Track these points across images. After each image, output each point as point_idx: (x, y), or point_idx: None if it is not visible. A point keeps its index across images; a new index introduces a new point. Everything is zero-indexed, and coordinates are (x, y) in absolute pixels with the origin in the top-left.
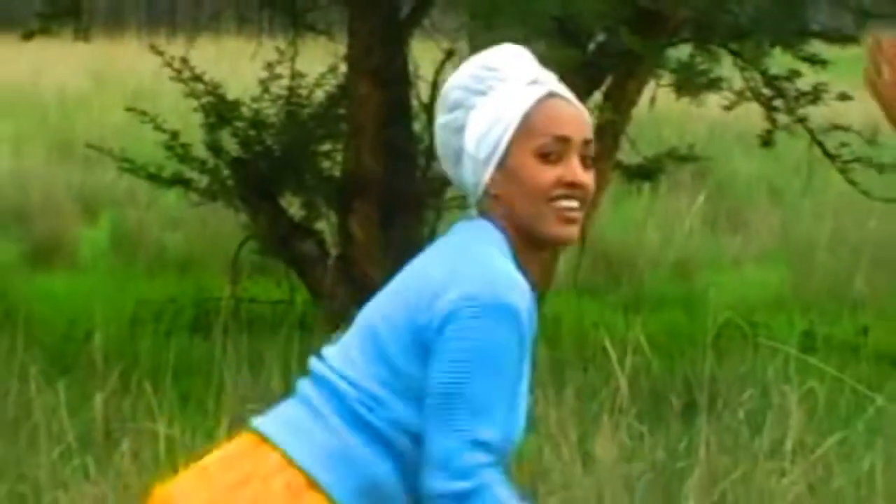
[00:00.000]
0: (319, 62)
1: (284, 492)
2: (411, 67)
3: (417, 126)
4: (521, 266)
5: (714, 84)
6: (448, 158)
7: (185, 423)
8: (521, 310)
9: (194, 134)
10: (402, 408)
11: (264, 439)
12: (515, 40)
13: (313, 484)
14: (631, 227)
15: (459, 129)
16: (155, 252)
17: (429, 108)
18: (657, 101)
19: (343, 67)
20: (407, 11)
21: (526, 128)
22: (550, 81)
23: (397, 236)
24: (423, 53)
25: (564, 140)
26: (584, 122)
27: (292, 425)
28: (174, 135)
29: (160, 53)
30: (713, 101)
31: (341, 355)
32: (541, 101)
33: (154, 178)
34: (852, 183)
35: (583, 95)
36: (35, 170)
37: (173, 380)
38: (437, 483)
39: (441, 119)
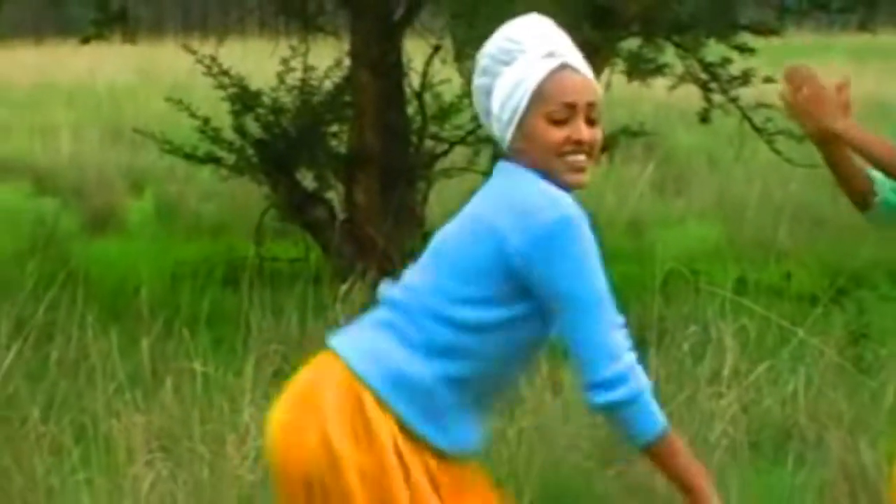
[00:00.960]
0: (327, 57)
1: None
2: (405, 60)
3: (410, 110)
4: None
5: (659, 70)
6: (481, 114)
7: (218, 362)
8: (579, 216)
9: (223, 119)
10: (469, 313)
11: (338, 357)
12: (489, 37)
13: (380, 399)
14: (591, 192)
15: (488, 93)
16: (192, 219)
17: (419, 95)
18: (612, 85)
19: (347, 61)
20: (400, 13)
21: (539, 96)
22: (565, 52)
23: (394, 202)
24: (414, 48)
25: (571, 106)
26: (589, 88)
27: (364, 345)
28: (206, 120)
29: (193, 53)
30: (659, 84)
31: (411, 278)
32: (553, 73)
33: (190, 157)
34: (776, 152)
35: None
36: (91, 152)
37: (207, 326)
38: (607, 370)
39: (475, 82)
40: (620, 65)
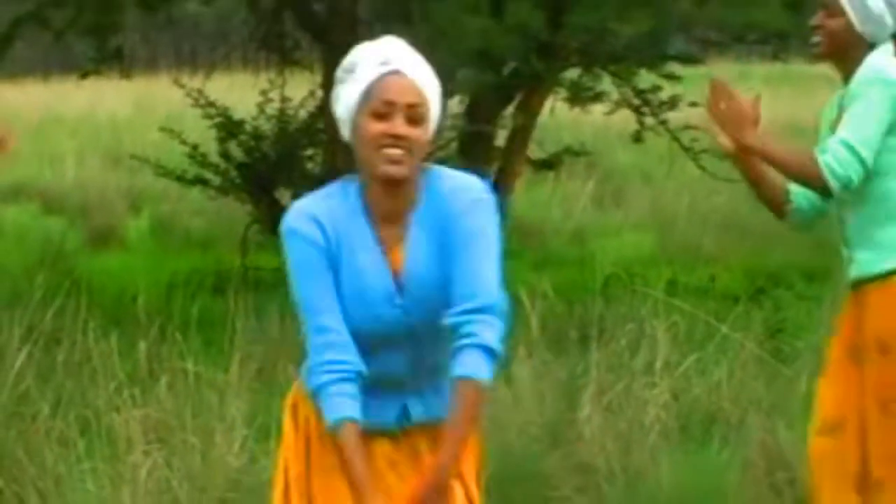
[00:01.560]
0: (302, 89)
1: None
2: None
3: None
4: (370, 200)
5: (597, 97)
6: (337, 122)
7: (207, 361)
8: (294, 229)
9: (210, 145)
10: None
11: None
12: (449, 68)
13: None
14: (539, 205)
15: (337, 99)
16: (183, 235)
17: None
18: (555, 110)
19: (320, 92)
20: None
21: (367, 95)
22: (400, 62)
23: None
24: None
25: (390, 103)
26: (412, 90)
27: None
28: (195, 147)
29: (183, 87)
30: (597, 109)
31: None
32: (381, 77)
33: (181, 179)
34: (702, 168)
35: (499, 108)
36: (93, 176)
37: (198, 330)
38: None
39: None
40: (563, 92)
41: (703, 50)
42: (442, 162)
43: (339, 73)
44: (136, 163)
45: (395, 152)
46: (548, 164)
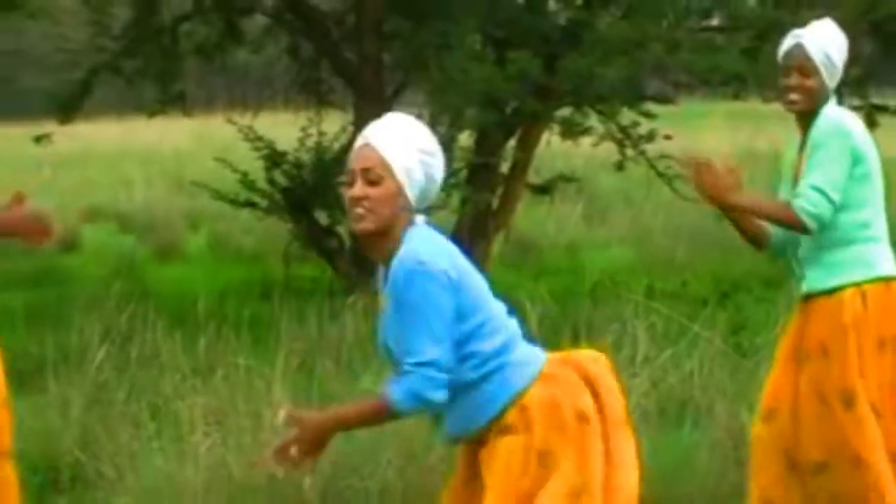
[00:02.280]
0: (336, 125)
1: None
2: None
3: None
4: (366, 250)
5: (586, 131)
6: None
7: (257, 357)
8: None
9: (258, 173)
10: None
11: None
12: (459, 108)
13: None
14: (536, 223)
15: None
16: (235, 249)
17: None
18: (550, 143)
19: (351, 128)
20: (390, 91)
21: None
22: (372, 135)
23: None
24: None
25: (351, 171)
26: (367, 157)
27: None
28: (245, 174)
29: (235, 123)
30: (586, 141)
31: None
32: (354, 151)
33: (233, 202)
34: (675, 191)
35: (502, 142)
36: (159, 199)
37: (248, 329)
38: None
39: None
40: (556, 128)
41: (674, 91)
42: (454, 187)
43: None
44: (195, 188)
45: (357, 211)
46: (544, 189)
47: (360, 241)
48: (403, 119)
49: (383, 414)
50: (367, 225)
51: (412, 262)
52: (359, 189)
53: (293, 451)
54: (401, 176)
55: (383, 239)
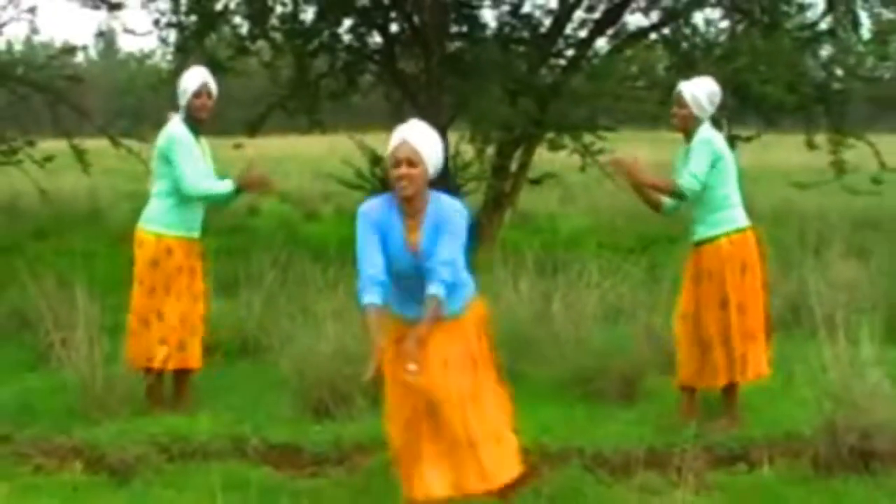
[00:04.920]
0: None
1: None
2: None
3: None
4: (401, 205)
5: (562, 147)
6: None
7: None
8: (360, 213)
9: (366, 169)
10: None
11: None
12: (486, 132)
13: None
14: (532, 202)
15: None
16: (350, 215)
17: (454, 157)
18: (541, 153)
19: None
20: (444, 121)
21: (390, 156)
22: (408, 133)
23: None
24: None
25: (397, 159)
26: (406, 149)
27: None
28: (358, 169)
29: (353, 138)
30: (563, 153)
31: None
32: (395, 146)
33: (350, 185)
34: (614, 183)
35: (512, 152)
36: (306, 184)
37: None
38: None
39: None
40: (545, 144)
41: (617, 123)
42: (479, 179)
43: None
44: (327, 177)
45: (402, 184)
46: (537, 181)
47: (405, 202)
48: (424, 125)
49: (441, 306)
50: (409, 192)
51: (458, 205)
52: (404, 170)
53: (412, 366)
54: (427, 161)
55: (417, 200)
